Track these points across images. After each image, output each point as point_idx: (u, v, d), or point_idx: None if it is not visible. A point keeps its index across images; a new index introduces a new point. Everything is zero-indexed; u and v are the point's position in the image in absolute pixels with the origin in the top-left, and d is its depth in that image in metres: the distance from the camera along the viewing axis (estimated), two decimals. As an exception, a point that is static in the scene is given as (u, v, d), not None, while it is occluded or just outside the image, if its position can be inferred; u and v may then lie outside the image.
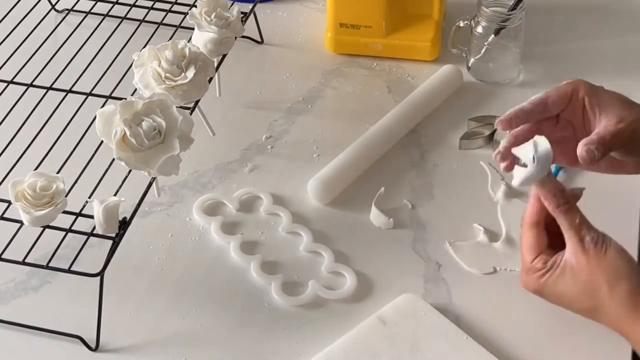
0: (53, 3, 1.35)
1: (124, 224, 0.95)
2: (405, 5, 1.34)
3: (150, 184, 1.00)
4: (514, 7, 1.25)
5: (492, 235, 1.09)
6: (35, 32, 1.22)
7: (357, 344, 0.96)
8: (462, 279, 1.05)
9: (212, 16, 1.10)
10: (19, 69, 1.14)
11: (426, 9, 1.34)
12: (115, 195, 0.97)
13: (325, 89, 1.29)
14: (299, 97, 1.28)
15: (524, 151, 0.94)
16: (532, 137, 0.95)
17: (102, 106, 1.00)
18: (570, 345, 0.98)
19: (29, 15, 1.25)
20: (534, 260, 0.96)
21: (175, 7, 1.27)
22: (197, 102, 1.08)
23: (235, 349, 0.97)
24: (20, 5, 1.27)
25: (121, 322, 0.99)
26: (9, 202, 0.94)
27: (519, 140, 0.98)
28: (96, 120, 0.95)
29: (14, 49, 1.17)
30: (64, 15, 1.28)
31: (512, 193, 1.13)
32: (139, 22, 1.23)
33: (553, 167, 1.08)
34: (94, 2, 1.29)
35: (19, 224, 0.95)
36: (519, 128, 1.01)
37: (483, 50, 1.27)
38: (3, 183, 1.00)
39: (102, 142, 0.98)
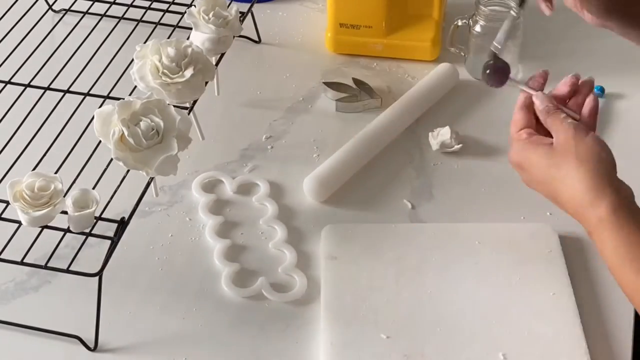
0: (50, 3, 1.35)
1: (123, 224, 0.95)
2: (405, 5, 1.34)
3: (148, 184, 1.00)
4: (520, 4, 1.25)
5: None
6: (33, 32, 1.22)
7: None
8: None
9: (210, 15, 1.10)
10: (16, 69, 1.14)
11: (426, 9, 1.34)
12: (113, 195, 0.97)
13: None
14: (299, 97, 1.28)
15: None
16: None
17: (100, 106, 0.99)
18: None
19: (26, 16, 1.24)
20: (519, 131, 0.98)
21: (173, 7, 1.27)
22: (194, 103, 1.08)
23: (235, 348, 0.97)
24: (18, 5, 1.27)
25: (120, 322, 0.99)
26: (7, 203, 0.94)
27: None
28: (94, 120, 0.94)
29: (12, 50, 1.17)
30: (61, 15, 1.28)
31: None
32: (136, 22, 1.23)
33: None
34: (91, 2, 1.29)
35: (17, 224, 0.94)
36: None
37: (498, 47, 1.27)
38: (1, 183, 0.99)
39: (100, 142, 0.98)
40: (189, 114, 1.06)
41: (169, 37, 1.15)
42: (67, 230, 0.95)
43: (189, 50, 1.04)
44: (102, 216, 0.96)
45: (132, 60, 1.05)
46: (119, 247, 0.95)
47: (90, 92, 1.11)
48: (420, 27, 1.34)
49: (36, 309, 1.00)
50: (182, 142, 0.96)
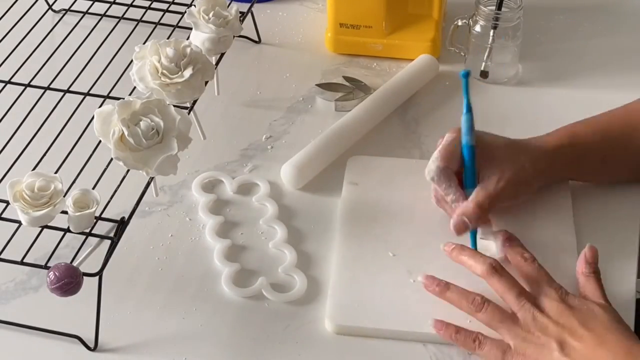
0: (50, 3, 1.35)
1: (123, 224, 0.95)
2: (405, 5, 1.34)
3: (148, 184, 1.00)
4: (499, 7, 1.25)
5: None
6: (33, 32, 1.22)
7: None
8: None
9: (210, 15, 1.10)
10: (16, 69, 1.14)
11: (426, 9, 1.34)
12: (113, 195, 0.97)
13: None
14: (299, 97, 1.28)
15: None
16: None
17: (100, 106, 0.99)
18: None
19: (26, 16, 1.24)
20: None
21: (173, 7, 1.27)
22: (194, 103, 1.08)
23: (235, 348, 0.97)
24: (18, 5, 1.26)
25: (120, 321, 0.98)
26: (7, 202, 0.94)
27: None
28: (94, 120, 0.94)
29: (11, 50, 1.17)
30: (61, 15, 1.28)
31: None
32: (136, 22, 1.23)
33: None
34: (91, 2, 1.29)
35: (17, 224, 0.94)
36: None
37: (487, 51, 1.27)
38: (1, 183, 0.99)
39: (99, 142, 0.98)
40: (189, 113, 1.06)
41: (168, 37, 1.15)
42: (67, 230, 0.95)
43: (188, 50, 1.04)
44: (102, 216, 0.96)
45: (132, 60, 1.05)
46: (118, 247, 0.94)
47: (90, 92, 1.11)
48: (420, 27, 1.34)
49: (36, 308, 1.00)
50: (182, 142, 0.96)
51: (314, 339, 0.97)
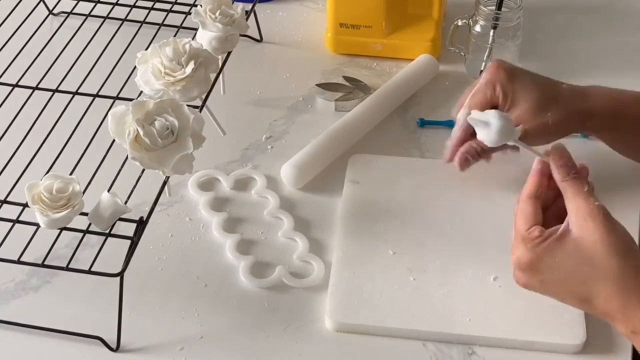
0: (50, 8, 1.35)
1: (142, 224, 0.95)
2: (405, 5, 1.35)
3: (164, 183, 1.00)
4: (499, 7, 1.25)
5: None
6: (35, 36, 1.22)
7: None
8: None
9: (217, 14, 1.11)
10: (22, 73, 1.14)
11: (426, 9, 1.35)
12: (130, 195, 0.98)
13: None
14: (299, 97, 1.28)
15: (482, 114, 0.98)
16: None
17: (110, 107, 1.00)
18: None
19: (27, 21, 1.24)
20: (529, 229, 0.90)
21: (176, 7, 1.28)
22: (205, 101, 1.08)
23: (235, 348, 0.97)
24: (18, 10, 1.26)
25: (142, 321, 0.99)
26: (24, 205, 0.95)
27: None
28: (108, 121, 0.94)
29: (15, 54, 1.17)
30: (62, 19, 1.29)
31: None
32: (139, 24, 1.23)
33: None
34: (93, 5, 1.29)
35: (35, 227, 0.95)
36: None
37: (487, 51, 1.27)
38: (16, 186, 1.00)
39: (111, 143, 0.99)
40: (200, 111, 1.06)
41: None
42: (86, 231, 0.96)
43: (187, 46, 1.04)
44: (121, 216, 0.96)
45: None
46: (118, 248, 0.95)
47: (100, 94, 1.11)
48: (420, 27, 1.34)
49: (39, 309, 1.00)
50: (196, 141, 0.96)
51: (314, 337, 0.98)
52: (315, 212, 1.11)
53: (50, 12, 1.35)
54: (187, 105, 0.98)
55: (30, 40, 1.21)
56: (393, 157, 1.17)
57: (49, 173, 0.93)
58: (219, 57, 1.13)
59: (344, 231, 1.07)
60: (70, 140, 1.05)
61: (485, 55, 1.27)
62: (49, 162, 1.02)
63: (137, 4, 1.27)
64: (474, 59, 1.29)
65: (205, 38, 1.11)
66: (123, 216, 0.95)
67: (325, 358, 0.96)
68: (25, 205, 0.96)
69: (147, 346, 0.97)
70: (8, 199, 0.99)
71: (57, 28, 1.26)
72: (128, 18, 1.25)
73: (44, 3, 1.35)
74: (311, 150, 1.16)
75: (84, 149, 1.04)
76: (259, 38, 1.37)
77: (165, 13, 1.27)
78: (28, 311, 1.00)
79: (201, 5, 1.12)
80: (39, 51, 1.19)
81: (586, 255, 0.87)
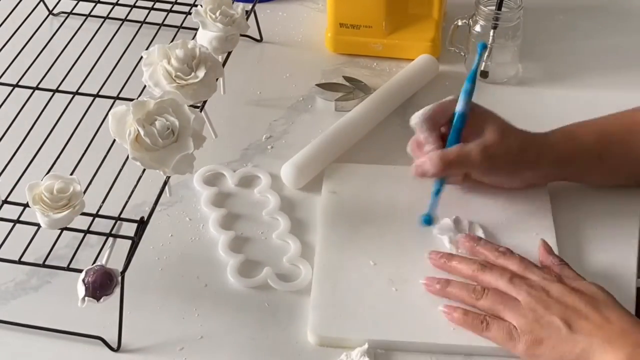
0: (50, 8, 1.35)
1: (143, 224, 0.95)
2: (405, 5, 1.35)
3: (165, 184, 1.00)
4: (499, 7, 1.25)
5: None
6: (35, 37, 1.21)
7: None
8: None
9: (217, 13, 1.11)
10: (21, 73, 1.14)
11: (426, 9, 1.35)
12: (130, 195, 0.98)
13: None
14: (299, 97, 1.28)
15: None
16: None
17: (110, 107, 1.00)
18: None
19: (27, 21, 1.24)
20: None
21: (176, 7, 1.28)
22: (204, 102, 1.09)
23: (235, 348, 0.97)
24: (18, 10, 1.26)
25: (141, 321, 0.99)
26: (24, 205, 0.95)
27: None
28: (109, 121, 0.94)
29: (15, 55, 1.17)
30: (62, 19, 1.29)
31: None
32: (139, 24, 1.24)
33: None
34: (93, 5, 1.29)
35: (36, 227, 0.95)
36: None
37: (487, 51, 1.27)
38: (17, 187, 1.00)
39: (111, 143, 0.99)
40: (200, 111, 1.06)
41: (173, 38, 1.15)
42: (87, 232, 0.96)
43: (197, 50, 1.04)
44: (122, 216, 0.97)
45: (139, 61, 1.05)
46: (117, 248, 0.95)
47: (100, 94, 1.11)
48: (420, 27, 1.34)
49: (38, 309, 1.00)
50: (197, 141, 0.96)
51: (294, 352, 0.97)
52: (313, 214, 1.11)
53: (50, 12, 1.35)
54: (188, 106, 0.98)
55: (30, 40, 1.21)
56: (370, 165, 1.15)
57: (50, 173, 0.93)
58: (219, 57, 1.13)
59: (324, 243, 1.06)
60: (71, 141, 1.05)
61: (486, 55, 1.27)
62: (50, 162, 1.02)
63: (137, 4, 1.28)
64: (474, 59, 1.29)
65: (206, 38, 1.11)
66: (124, 216, 0.96)
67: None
68: (26, 206, 0.97)
69: (147, 346, 0.97)
70: (9, 199, 0.99)
71: (57, 28, 1.26)
72: (128, 18, 1.25)
73: (44, 3, 1.35)
74: (311, 150, 1.16)
75: (85, 149, 1.04)
76: (259, 38, 1.37)
77: (165, 13, 1.27)
78: (28, 311, 1.00)
79: (201, 5, 1.12)
80: (39, 51, 1.19)
81: None
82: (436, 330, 0.96)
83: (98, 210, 0.98)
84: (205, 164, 1.16)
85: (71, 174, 0.96)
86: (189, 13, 1.20)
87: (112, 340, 0.96)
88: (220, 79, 1.18)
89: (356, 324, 0.97)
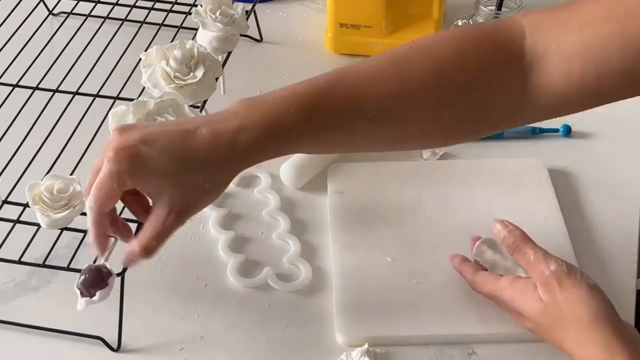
0: (50, 8, 1.35)
1: (142, 224, 0.95)
2: (405, 5, 1.35)
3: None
4: (499, 7, 1.25)
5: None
6: (35, 37, 1.22)
7: None
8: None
9: (217, 14, 1.11)
10: (22, 73, 1.14)
11: (426, 9, 1.35)
12: None
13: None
14: (299, 97, 1.28)
15: None
16: None
17: (110, 107, 1.00)
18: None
19: (27, 20, 1.24)
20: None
21: (176, 7, 1.28)
22: (204, 102, 1.09)
23: (235, 348, 0.97)
24: (18, 10, 1.26)
25: (140, 322, 0.99)
26: (24, 205, 0.95)
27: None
28: (109, 120, 0.95)
29: (15, 55, 1.17)
30: (62, 19, 1.29)
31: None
32: (139, 24, 1.24)
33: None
34: (93, 5, 1.29)
35: (37, 227, 0.95)
36: None
37: None
38: (17, 187, 1.00)
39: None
40: (201, 111, 1.06)
41: (173, 38, 1.15)
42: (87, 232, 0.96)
43: (195, 50, 1.04)
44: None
45: (139, 61, 1.05)
46: (118, 248, 0.95)
47: (100, 94, 1.11)
48: (420, 27, 1.34)
49: (38, 309, 1.00)
50: (196, 142, 0.96)
51: (315, 339, 0.98)
52: (313, 213, 1.11)
53: (50, 13, 1.35)
54: (188, 106, 0.98)
55: (30, 41, 1.21)
56: (372, 163, 1.15)
57: (50, 173, 0.94)
58: (219, 57, 1.13)
59: (338, 244, 1.06)
60: (71, 141, 1.05)
61: None
62: (50, 162, 1.02)
63: (137, 4, 1.28)
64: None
65: (206, 38, 1.11)
66: (124, 216, 0.95)
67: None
68: (26, 206, 0.97)
69: (147, 346, 0.97)
70: (9, 199, 1.00)
71: (57, 28, 1.26)
72: (128, 18, 1.25)
73: (44, 3, 1.35)
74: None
75: (85, 149, 1.04)
76: (259, 38, 1.37)
77: (165, 13, 1.27)
78: (28, 311, 1.00)
79: (201, 5, 1.12)
80: (39, 51, 1.19)
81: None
82: (465, 320, 0.97)
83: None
84: (205, 164, 1.16)
85: (71, 174, 0.96)
86: (189, 13, 1.20)
87: (112, 340, 0.96)
88: (220, 79, 1.18)
89: (384, 322, 0.98)
